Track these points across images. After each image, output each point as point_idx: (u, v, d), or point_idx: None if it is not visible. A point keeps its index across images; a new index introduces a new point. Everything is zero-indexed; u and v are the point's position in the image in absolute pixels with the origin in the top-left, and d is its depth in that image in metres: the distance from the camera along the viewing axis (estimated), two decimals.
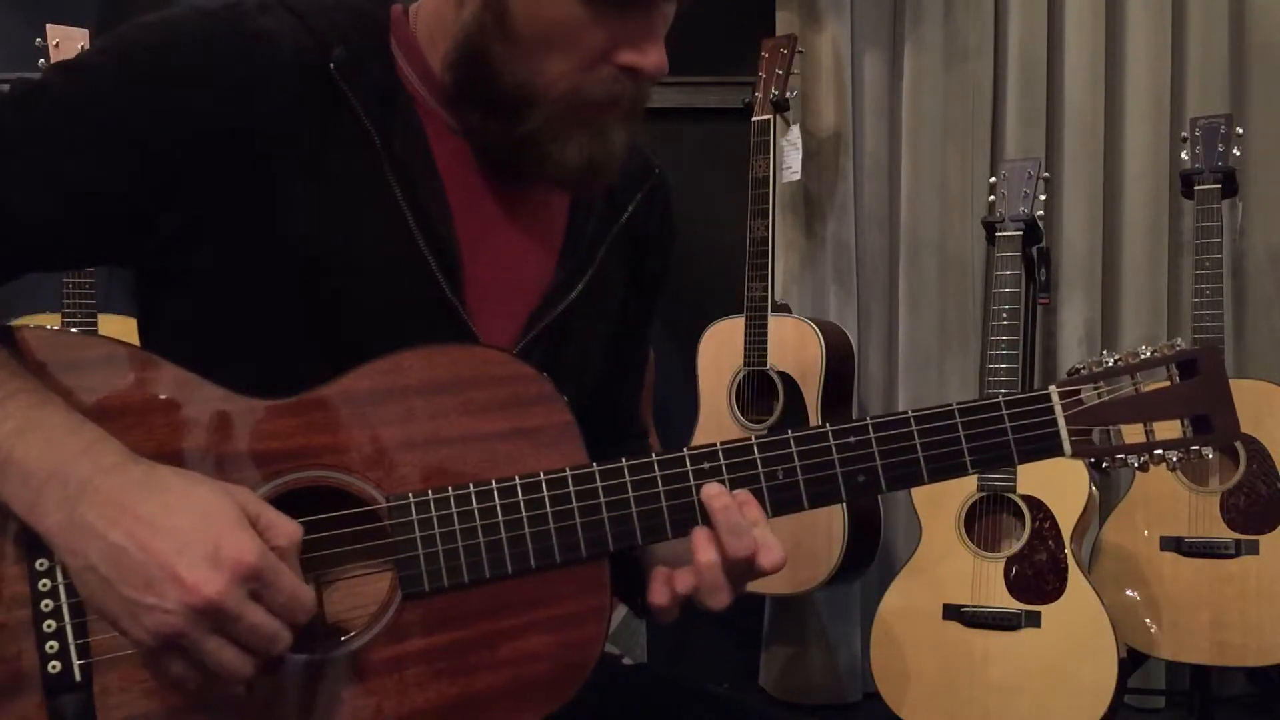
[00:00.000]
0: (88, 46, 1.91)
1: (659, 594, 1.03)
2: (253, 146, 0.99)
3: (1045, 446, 1.03)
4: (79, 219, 0.98)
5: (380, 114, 1.03)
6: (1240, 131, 2.66)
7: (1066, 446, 1.04)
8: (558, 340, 1.13)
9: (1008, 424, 1.03)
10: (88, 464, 0.88)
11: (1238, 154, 2.62)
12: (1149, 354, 1.06)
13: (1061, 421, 1.04)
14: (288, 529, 0.90)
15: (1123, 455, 1.05)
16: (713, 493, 0.99)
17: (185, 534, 0.85)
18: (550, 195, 1.14)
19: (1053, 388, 1.04)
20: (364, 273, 1.03)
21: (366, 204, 1.03)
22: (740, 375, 2.86)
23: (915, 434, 1.02)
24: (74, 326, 2.52)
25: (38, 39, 2.47)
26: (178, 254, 1.00)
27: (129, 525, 0.85)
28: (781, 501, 1.01)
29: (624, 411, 1.33)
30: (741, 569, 1.00)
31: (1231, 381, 2.61)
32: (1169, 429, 1.06)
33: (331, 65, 1.01)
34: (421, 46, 1.07)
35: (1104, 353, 1.07)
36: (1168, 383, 1.06)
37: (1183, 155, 2.69)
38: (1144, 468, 1.07)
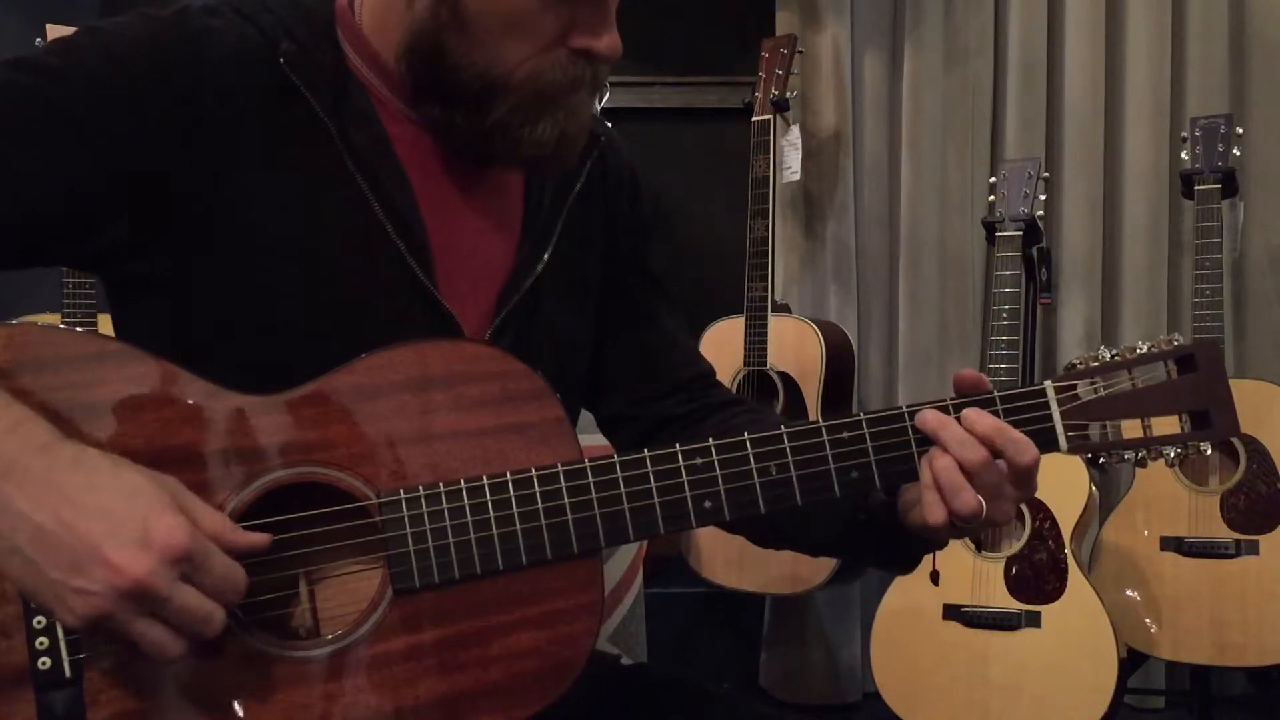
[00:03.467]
0: None
1: (934, 512, 1.02)
2: (203, 142, 1.00)
3: (1041, 442, 1.02)
4: (24, 218, 0.97)
5: (334, 105, 1.05)
6: (1240, 131, 2.66)
7: (1062, 442, 1.03)
8: (529, 315, 1.14)
9: (1003, 419, 1.02)
10: (15, 443, 0.86)
11: (1238, 154, 2.62)
12: (1146, 349, 1.05)
13: (1057, 416, 1.03)
14: (214, 519, 0.89)
15: (1119, 451, 1.04)
16: (926, 416, 1.01)
17: (113, 515, 0.84)
18: (506, 174, 1.16)
19: (1048, 382, 1.04)
20: (334, 262, 1.04)
21: (329, 194, 1.04)
22: (740, 375, 2.86)
23: (909, 429, 1.02)
24: (74, 326, 2.52)
25: (38, 39, 2.47)
26: (138, 256, 1.01)
27: (55, 506, 0.84)
28: (774, 497, 1.01)
29: (680, 357, 1.31)
30: (990, 473, 1.00)
31: (1231, 382, 2.60)
32: (1167, 425, 1.05)
33: (281, 60, 1.03)
34: (368, 36, 1.08)
35: (1101, 348, 1.06)
36: (1165, 378, 1.05)
37: (1183, 155, 2.69)
38: (1142, 463, 1.06)
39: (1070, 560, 2.40)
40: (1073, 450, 1.04)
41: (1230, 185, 2.63)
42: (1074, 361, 1.06)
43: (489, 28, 1.01)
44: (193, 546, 0.85)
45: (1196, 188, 2.63)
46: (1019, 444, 1.01)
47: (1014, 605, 2.42)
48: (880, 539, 1.13)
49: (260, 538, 0.91)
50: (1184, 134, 2.72)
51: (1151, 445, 1.04)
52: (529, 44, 1.02)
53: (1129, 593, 2.58)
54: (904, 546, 1.13)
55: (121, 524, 0.84)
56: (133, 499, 0.85)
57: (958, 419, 1.02)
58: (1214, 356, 1.04)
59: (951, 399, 1.04)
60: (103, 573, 0.83)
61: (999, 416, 1.02)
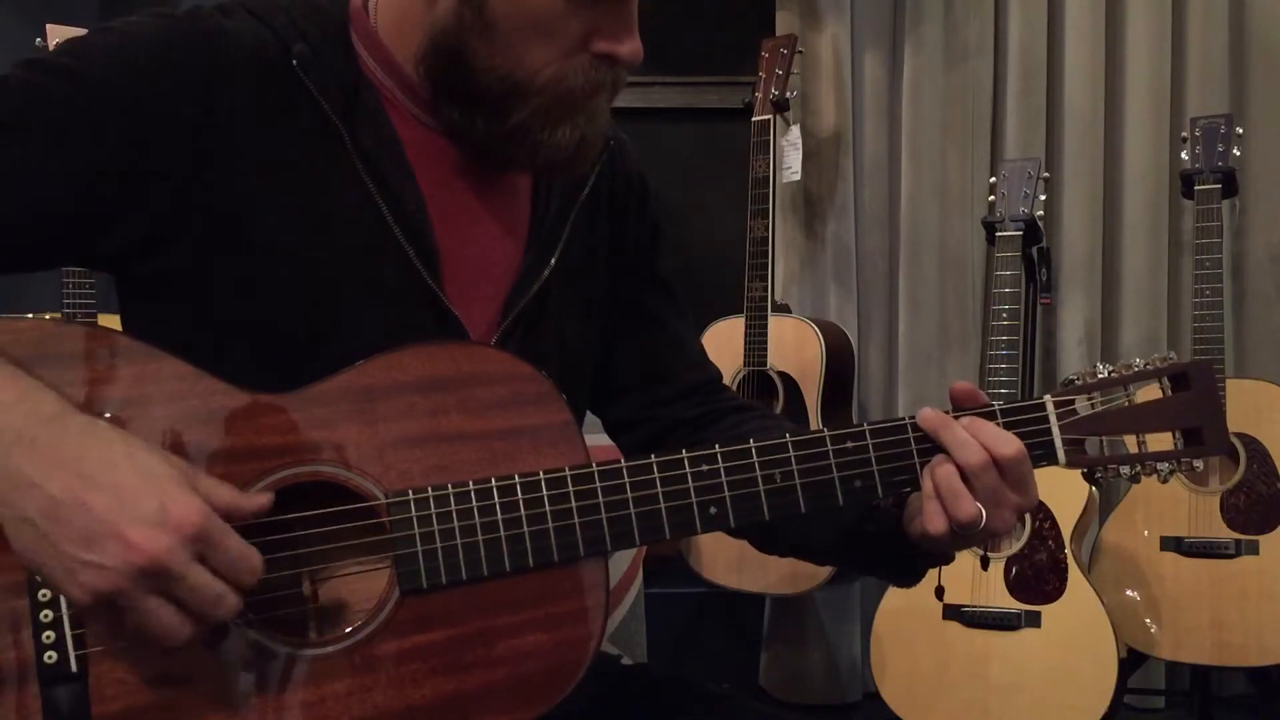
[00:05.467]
0: None
1: (934, 522, 1.02)
2: (216, 142, 1.00)
3: (1040, 455, 1.04)
4: (35, 217, 0.97)
5: (345, 107, 1.05)
6: (1240, 131, 2.66)
7: (1061, 455, 1.05)
8: (535, 320, 1.14)
9: None
10: (23, 412, 0.85)
11: (1238, 154, 2.63)
12: (1142, 366, 1.07)
13: (1056, 430, 1.05)
14: (223, 491, 0.89)
15: (1115, 465, 1.07)
16: (928, 414, 1.03)
17: (129, 491, 0.84)
18: (515, 178, 1.16)
19: (1048, 397, 1.06)
20: (342, 264, 1.04)
21: (339, 197, 1.04)
22: (740, 375, 2.86)
23: (912, 440, 1.03)
24: None
25: (38, 39, 2.47)
26: (149, 256, 1.01)
27: (68, 478, 0.83)
28: (778, 505, 1.02)
29: (689, 360, 1.31)
30: (989, 476, 1.01)
31: (1231, 381, 2.60)
32: (1161, 440, 1.07)
33: (294, 61, 1.03)
34: (383, 38, 1.08)
35: (1098, 364, 1.09)
36: (1160, 394, 1.07)
37: (1183, 155, 2.69)
38: (1135, 478, 1.08)
39: (1070, 560, 2.41)
40: (1070, 464, 1.06)
41: (1230, 185, 2.63)
42: (1071, 377, 1.09)
43: (514, 31, 1.02)
44: (208, 525, 0.85)
45: (1196, 188, 2.63)
46: (1000, 438, 1.02)
47: (1014, 605, 2.42)
48: (886, 550, 1.14)
49: (263, 498, 0.91)
50: (1184, 134, 2.72)
51: (1146, 461, 1.07)
52: (553, 48, 1.03)
53: (1129, 593, 2.58)
54: (908, 558, 1.13)
55: (138, 501, 0.83)
56: (148, 475, 0.85)
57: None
58: (1206, 375, 1.07)
59: (954, 411, 1.05)
60: (119, 548, 0.82)
61: None
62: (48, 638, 0.90)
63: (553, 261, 1.14)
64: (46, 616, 0.90)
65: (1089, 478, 1.05)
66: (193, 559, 0.84)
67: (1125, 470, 1.07)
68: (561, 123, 1.05)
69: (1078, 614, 2.38)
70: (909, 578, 1.16)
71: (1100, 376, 1.07)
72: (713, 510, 1.01)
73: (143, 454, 0.87)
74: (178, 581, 0.84)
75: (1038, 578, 2.42)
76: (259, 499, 0.91)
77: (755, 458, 1.01)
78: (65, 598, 0.88)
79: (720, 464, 1.01)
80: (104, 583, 0.83)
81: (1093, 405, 1.05)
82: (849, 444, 1.02)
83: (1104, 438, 1.06)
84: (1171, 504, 2.57)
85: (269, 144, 1.02)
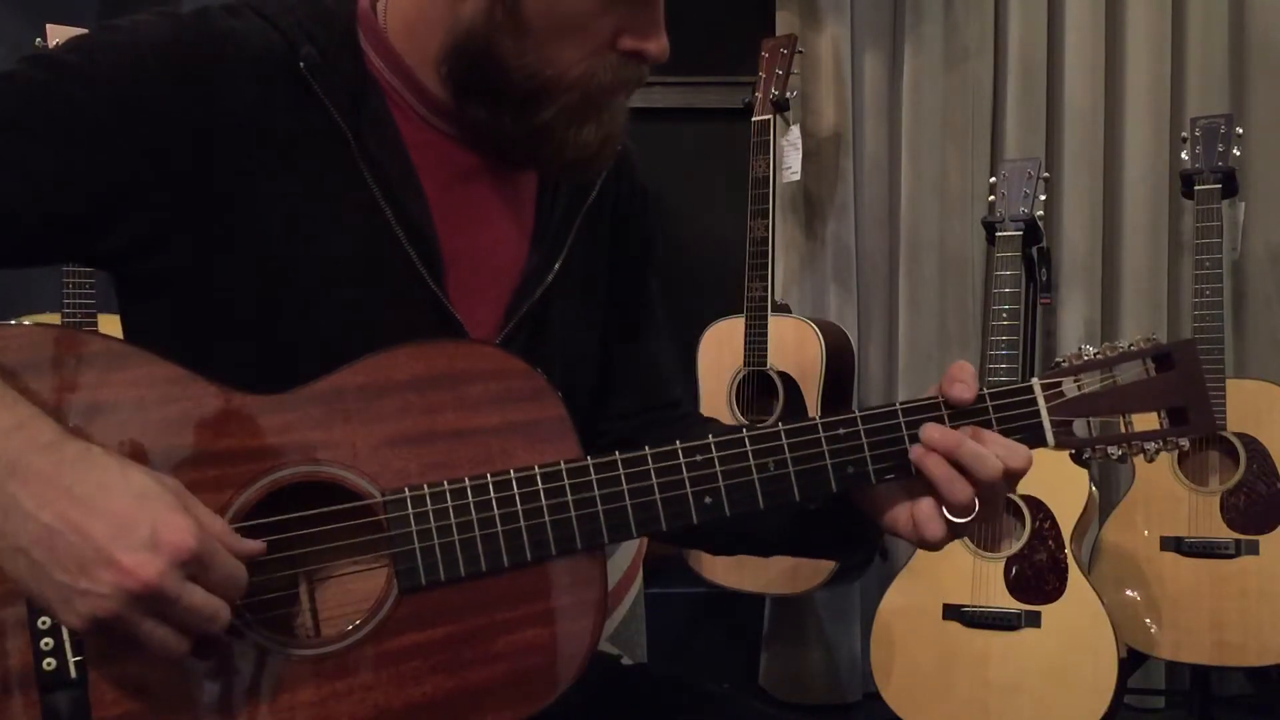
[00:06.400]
0: None
1: (932, 528, 1.03)
2: (221, 144, 0.99)
3: (1029, 438, 1.05)
4: (38, 216, 0.97)
5: (351, 110, 1.04)
6: (1240, 131, 2.66)
7: (1050, 438, 1.05)
8: (538, 324, 1.14)
9: (992, 415, 1.05)
10: (20, 441, 0.85)
11: (1238, 154, 2.62)
12: (1127, 347, 1.08)
13: (1044, 413, 1.05)
14: (216, 524, 0.89)
15: (1103, 446, 1.07)
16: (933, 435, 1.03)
17: (121, 516, 0.84)
18: (519, 180, 1.15)
19: (1035, 380, 1.06)
20: (344, 267, 1.03)
21: (343, 199, 1.04)
22: (740, 375, 2.86)
23: (903, 425, 1.04)
24: (73, 326, 2.52)
25: (38, 39, 2.47)
26: (151, 255, 1.00)
27: (62, 506, 0.83)
28: (772, 493, 1.02)
29: (654, 381, 1.31)
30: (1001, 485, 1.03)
31: (1231, 381, 2.60)
32: (1148, 421, 1.08)
33: (301, 64, 1.02)
34: (393, 40, 1.08)
35: (1083, 346, 1.09)
36: (1145, 376, 1.07)
37: (1183, 155, 2.69)
38: (1123, 459, 1.09)
39: (1070, 560, 2.41)
40: (1059, 446, 1.06)
41: (1230, 185, 2.63)
42: (1059, 360, 1.09)
43: (545, 29, 1.01)
44: (200, 547, 0.85)
45: (1196, 188, 2.63)
46: (1015, 455, 1.03)
47: (1014, 605, 2.42)
48: (836, 528, 1.14)
49: (256, 545, 0.91)
50: (1184, 134, 2.72)
51: (1133, 441, 1.07)
52: (583, 46, 1.03)
53: (1129, 593, 2.58)
54: (857, 533, 1.14)
55: (130, 526, 0.83)
56: (140, 500, 0.85)
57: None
58: (1190, 356, 1.07)
59: (943, 398, 1.05)
60: (112, 575, 0.82)
61: (989, 413, 1.05)
62: (46, 645, 0.89)
63: (556, 266, 1.14)
64: (44, 623, 0.89)
65: (1077, 459, 1.06)
66: (185, 580, 0.85)
67: (1113, 451, 1.07)
68: (588, 121, 1.05)
69: (1078, 614, 2.38)
70: (866, 548, 1.18)
71: (1086, 358, 1.07)
72: (708, 500, 1.01)
73: (137, 477, 0.87)
74: (172, 604, 0.84)
75: (1038, 578, 2.42)
76: (250, 544, 0.90)
77: (749, 446, 1.02)
78: (62, 624, 0.88)
79: (714, 454, 1.01)
80: (99, 609, 0.83)
81: (1079, 387, 1.06)
82: (841, 431, 1.03)
83: (1091, 419, 1.06)
84: (1171, 504, 2.57)
85: (274, 145, 1.01)
